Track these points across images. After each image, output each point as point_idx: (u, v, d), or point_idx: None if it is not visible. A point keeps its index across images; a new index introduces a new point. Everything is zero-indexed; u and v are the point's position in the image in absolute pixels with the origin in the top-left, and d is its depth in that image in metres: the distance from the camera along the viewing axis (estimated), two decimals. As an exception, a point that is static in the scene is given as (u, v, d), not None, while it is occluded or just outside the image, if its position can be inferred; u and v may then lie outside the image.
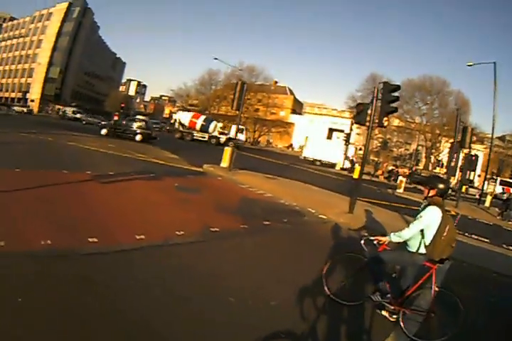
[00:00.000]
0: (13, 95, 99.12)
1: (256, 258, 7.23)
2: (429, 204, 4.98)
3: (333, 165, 45.35)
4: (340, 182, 27.97)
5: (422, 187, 27.57)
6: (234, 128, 50.08)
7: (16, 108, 68.59)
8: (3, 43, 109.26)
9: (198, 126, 47.57)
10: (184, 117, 49.57)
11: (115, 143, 26.16)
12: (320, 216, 11.85)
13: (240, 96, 18.98)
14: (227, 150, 20.04)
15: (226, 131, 51.72)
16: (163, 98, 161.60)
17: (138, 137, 31.11)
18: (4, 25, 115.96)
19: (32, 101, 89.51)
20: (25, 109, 69.02)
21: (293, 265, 6.90)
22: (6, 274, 4.99)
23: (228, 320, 4.66)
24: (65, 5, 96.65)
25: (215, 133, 47.82)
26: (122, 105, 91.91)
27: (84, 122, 58.31)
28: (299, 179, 20.01)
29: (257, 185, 15.75)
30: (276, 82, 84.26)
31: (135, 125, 32.16)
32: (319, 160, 46.63)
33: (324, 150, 47.33)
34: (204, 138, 47.27)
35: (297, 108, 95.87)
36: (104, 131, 32.42)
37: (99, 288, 4.95)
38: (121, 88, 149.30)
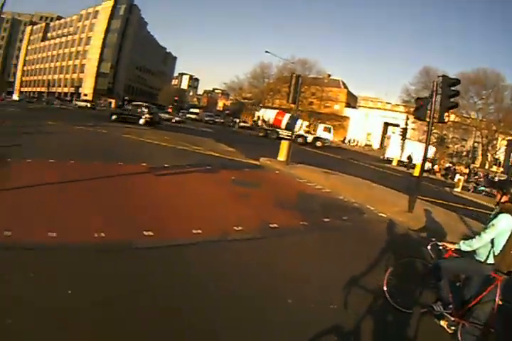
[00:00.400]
0: (65, 90, 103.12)
1: (315, 257, 6.79)
2: (501, 211, 4.48)
3: (389, 161, 43.69)
4: (397, 178, 26.71)
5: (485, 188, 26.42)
6: (321, 126, 49.29)
7: (78, 103, 70.66)
8: (52, 41, 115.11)
9: (283, 124, 45.36)
10: (268, 114, 48.32)
11: (171, 135, 26.46)
12: (379, 214, 11.23)
13: (296, 89, 18.32)
14: (284, 144, 19.72)
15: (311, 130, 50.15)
16: (216, 91, 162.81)
17: (141, 121, 32.68)
18: (52, 24, 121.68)
19: (85, 95, 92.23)
20: (88, 104, 69.92)
21: (353, 266, 6.38)
22: (57, 266, 4.91)
23: (284, 321, 4.37)
24: (110, 3, 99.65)
25: (301, 132, 45.34)
26: (176, 98, 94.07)
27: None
28: (356, 174, 19.32)
29: (315, 179, 15.24)
30: (329, 75, 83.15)
31: (139, 110, 34.12)
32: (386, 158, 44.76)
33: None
34: (290, 136, 43.89)
35: (351, 101, 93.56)
36: (113, 117, 34.19)
37: (153, 284, 4.79)
38: (174, 82, 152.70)
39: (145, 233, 6.40)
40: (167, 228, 7.00)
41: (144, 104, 36.22)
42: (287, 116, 45.69)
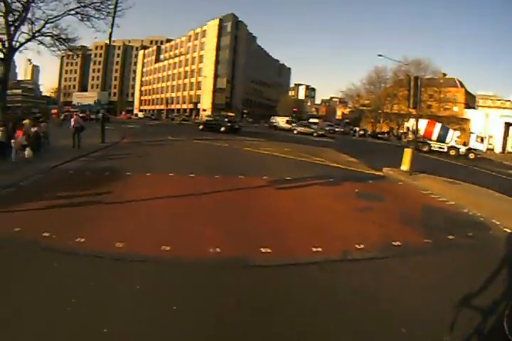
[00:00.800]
0: (184, 106, 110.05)
1: (438, 281, 6.11)
2: None
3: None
4: None
5: None
6: (473, 136, 46.29)
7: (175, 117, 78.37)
8: (166, 62, 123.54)
9: (434, 136, 41.03)
10: (418, 125, 45.48)
11: (291, 147, 26.64)
12: (505, 229, 9.94)
13: (416, 92, 17.42)
14: (408, 152, 18.79)
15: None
16: (334, 100, 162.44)
17: (222, 129, 38.55)
18: (163, 46, 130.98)
19: (204, 110, 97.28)
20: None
21: (476, 294, 5.59)
22: (166, 281, 5.08)
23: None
24: (215, 22, 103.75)
25: (453, 143, 41.00)
26: (295, 110, 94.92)
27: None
28: (479, 183, 17.77)
29: (439, 191, 14.34)
30: (444, 75, 78.77)
31: (220, 120, 41.06)
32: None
33: None
34: (443, 149, 40.80)
35: (470, 101, 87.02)
36: (201, 127, 42.27)
37: (266, 307, 4.67)
38: (291, 93, 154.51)
39: (262, 250, 6.40)
40: (285, 244, 6.92)
41: (225, 114, 46.92)
42: (438, 126, 41.98)
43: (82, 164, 15.00)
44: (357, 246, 7.12)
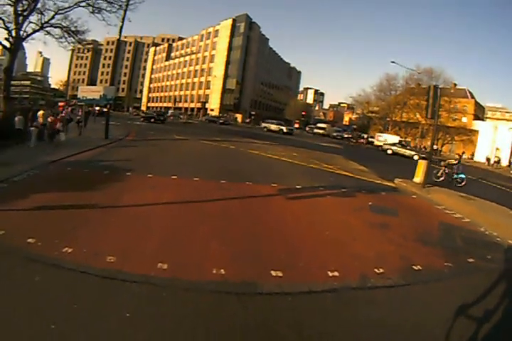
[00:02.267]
0: (192, 105, 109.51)
1: (463, 312, 5.33)
2: None
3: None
4: None
5: None
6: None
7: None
8: (176, 60, 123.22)
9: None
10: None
11: (299, 152, 26.13)
12: None
13: (434, 102, 16.70)
14: (422, 164, 18.11)
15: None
16: (342, 105, 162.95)
17: (152, 120, 50.13)
18: (174, 44, 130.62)
19: (212, 110, 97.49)
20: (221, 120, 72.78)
21: (497, 326, 5.01)
22: (161, 307, 4.51)
23: None
24: (229, 22, 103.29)
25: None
26: (303, 113, 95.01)
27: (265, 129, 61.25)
28: (491, 198, 16.99)
29: (453, 206, 13.71)
30: (455, 85, 78.13)
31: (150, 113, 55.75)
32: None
33: None
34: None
35: (479, 112, 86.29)
36: (142, 119, 53.25)
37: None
38: (299, 96, 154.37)
39: (273, 273, 5.75)
40: (299, 267, 6.22)
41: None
42: None
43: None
44: (376, 270, 6.45)
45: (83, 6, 26.47)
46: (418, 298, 5.83)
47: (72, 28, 27.59)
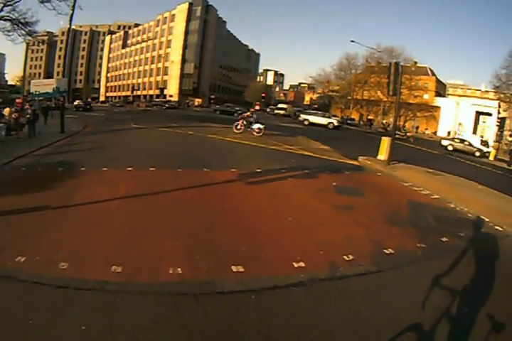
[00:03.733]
0: (151, 92, 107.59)
1: (440, 300, 4.90)
2: None
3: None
4: (499, 177, 22.82)
5: None
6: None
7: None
8: (132, 47, 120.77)
9: None
10: None
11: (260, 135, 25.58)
12: (496, 227, 9.19)
13: (395, 79, 16.64)
14: (385, 141, 18.19)
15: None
16: (302, 85, 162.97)
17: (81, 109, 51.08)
18: (130, 31, 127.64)
19: (170, 96, 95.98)
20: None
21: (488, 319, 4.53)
22: (117, 316, 4.14)
23: None
24: (185, 6, 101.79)
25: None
26: (263, 95, 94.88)
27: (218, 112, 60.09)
28: (458, 173, 17.14)
29: (420, 182, 13.70)
30: (416, 63, 78.95)
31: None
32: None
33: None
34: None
35: (440, 89, 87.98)
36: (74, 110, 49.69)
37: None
38: (259, 78, 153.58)
39: (233, 268, 5.43)
40: (261, 259, 5.89)
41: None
42: None
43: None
44: (345, 257, 6.18)
45: (32, -4, 25.29)
46: (392, 285, 5.57)
47: (22, 20, 26.43)
